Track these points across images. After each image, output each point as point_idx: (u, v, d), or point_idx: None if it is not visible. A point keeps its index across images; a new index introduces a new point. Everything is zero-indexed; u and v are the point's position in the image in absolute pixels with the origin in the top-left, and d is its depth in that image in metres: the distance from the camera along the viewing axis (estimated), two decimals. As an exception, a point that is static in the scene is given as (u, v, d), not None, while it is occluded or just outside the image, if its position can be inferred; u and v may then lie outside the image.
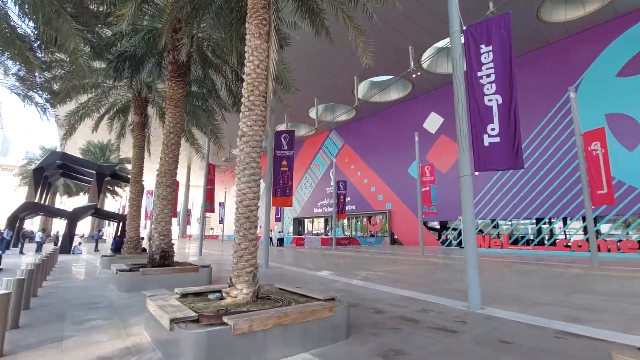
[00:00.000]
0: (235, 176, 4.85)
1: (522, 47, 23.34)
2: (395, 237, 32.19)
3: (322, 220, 43.48)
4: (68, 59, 8.63)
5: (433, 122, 30.51)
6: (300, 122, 41.18)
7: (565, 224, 22.25)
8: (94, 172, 21.78)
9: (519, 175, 23.61)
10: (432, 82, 29.28)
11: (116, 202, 56.15)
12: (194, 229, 70.95)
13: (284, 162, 12.91)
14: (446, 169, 28.20)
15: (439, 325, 4.78)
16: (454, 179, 27.68)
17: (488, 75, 6.49)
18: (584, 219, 20.90)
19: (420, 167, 19.75)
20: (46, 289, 7.68)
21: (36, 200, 21.39)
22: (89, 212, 20.61)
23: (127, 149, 43.43)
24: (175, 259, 9.08)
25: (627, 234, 19.17)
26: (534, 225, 23.20)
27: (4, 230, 18.67)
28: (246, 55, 5.07)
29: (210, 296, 4.75)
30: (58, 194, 42.60)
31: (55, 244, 19.29)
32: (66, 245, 17.96)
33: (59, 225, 45.61)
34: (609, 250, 16.95)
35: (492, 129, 6.34)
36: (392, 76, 30.05)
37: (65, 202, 46.17)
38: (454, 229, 28.23)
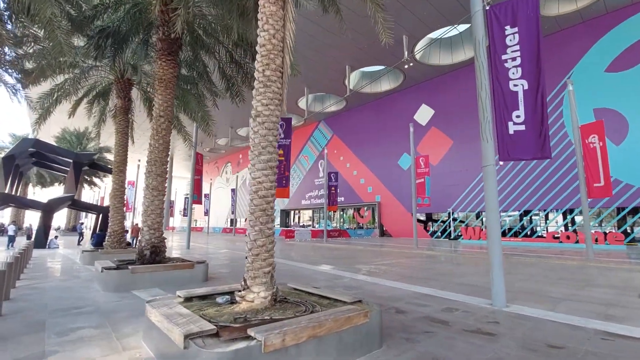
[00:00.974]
0: (250, 162, 4.23)
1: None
2: (385, 229, 32.13)
3: (309, 212, 43.05)
4: (43, 32, 7.61)
5: (424, 114, 30.34)
6: (289, 112, 40.26)
7: (548, 217, 22.67)
8: (71, 161, 20.34)
9: (509, 168, 23.79)
10: (424, 73, 29.01)
11: (94, 193, 53.77)
12: (176, 221, 69.13)
13: (281, 151, 12.24)
14: (436, 161, 28.16)
15: (472, 327, 4.38)
16: (445, 171, 27.76)
17: (513, 59, 6.07)
18: (571, 211, 21.34)
19: (414, 159, 19.47)
20: (20, 290, 6.85)
21: (6, 191, 19.82)
22: (66, 203, 19.29)
23: (106, 137, 41.34)
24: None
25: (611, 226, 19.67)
26: (521, 218, 23.53)
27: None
28: (259, 24, 4.40)
29: (219, 299, 4.16)
30: (30, 185, 40.23)
31: (29, 237, 17.96)
32: (41, 239, 16.71)
33: (31, 218, 43.23)
34: (596, 242, 17.28)
35: (518, 116, 5.94)
36: (384, 66, 29.60)
37: (39, 193, 43.68)
38: (443, 221, 28.37)
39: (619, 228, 19.57)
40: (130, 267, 6.92)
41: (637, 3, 19.70)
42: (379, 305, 4.02)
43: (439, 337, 4.01)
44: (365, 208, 35.20)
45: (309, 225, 42.31)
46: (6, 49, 9.96)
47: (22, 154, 19.87)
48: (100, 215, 22.52)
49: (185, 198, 52.35)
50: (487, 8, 6.42)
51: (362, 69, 31.27)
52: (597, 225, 20.39)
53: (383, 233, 31.97)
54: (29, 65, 10.83)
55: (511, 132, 5.97)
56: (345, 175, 36.06)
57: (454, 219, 27.18)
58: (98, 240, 12.88)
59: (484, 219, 25.54)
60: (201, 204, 22.67)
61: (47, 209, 17.50)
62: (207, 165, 64.77)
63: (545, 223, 22.91)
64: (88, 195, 55.10)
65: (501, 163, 23.34)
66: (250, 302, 3.77)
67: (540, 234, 22.46)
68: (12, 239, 16.72)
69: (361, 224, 35.71)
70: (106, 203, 44.98)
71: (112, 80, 13.19)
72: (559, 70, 21.95)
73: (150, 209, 7.99)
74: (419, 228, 29.30)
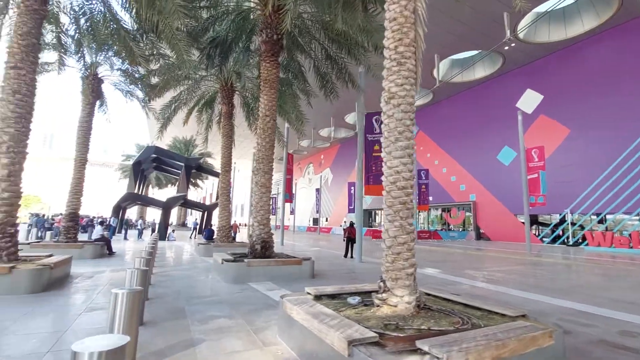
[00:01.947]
0: (383, 150, 3.82)
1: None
2: (482, 231, 29.00)
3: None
4: (168, 45, 8.50)
5: (529, 100, 26.47)
6: (370, 110, 39.52)
7: None
8: (183, 164, 23.14)
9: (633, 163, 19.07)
10: (528, 53, 25.32)
11: (197, 193, 61.04)
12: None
13: (376, 147, 11.73)
14: (548, 154, 24.22)
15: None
16: (557, 166, 23.69)
17: None
18: None
19: (525, 151, 16.93)
20: (156, 276, 7.68)
21: (135, 192, 23.51)
22: (180, 201, 21.98)
23: (206, 144, 46.53)
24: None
25: None
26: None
27: (110, 218, 20.76)
28: (388, -4, 3.96)
29: (351, 300, 3.83)
30: (150, 186, 47.50)
31: (153, 231, 20.97)
32: (162, 232, 19.29)
33: (151, 214, 51.03)
34: None
35: None
36: (478, 51, 26.75)
37: (156, 193, 51.42)
38: (556, 225, 24.23)
39: None
40: (246, 260, 7.20)
41: None
42: (556, 324, 3.18)
43: (648, 373, 2.99)
44: (457, 208, 32.35)
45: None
46: (137, 68, 11.54)
47: (146, 160, 23.35)
48: (205, 213, 25.13)
49: (274, 198, 55.74)
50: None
51: (451, 57, 28.84)
52: None
53: (479, 236, 28.90)
54: (154, 80, 12.44)
55: None
56: (434, 173, 33.69)
57: (573, 223, 22.97)
58: (209, 234, 14.19)
59: (610, 223, 21.06)
60: (292, 202, 23.52)
61: (167, 207, 20.16)
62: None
63: None
64: (192, 195, 62.84)
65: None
66: (393, 306, 3.33)
67: None
68: (140, 232, 19.68)
69: (451, 226, 32.97)
70: (207, 202, 50.60)
71: (217, 89, 14.42)
72: None
73: (260, 205, 8.28)
74: (522, 232, 25.64)
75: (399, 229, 3.53)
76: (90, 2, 9.22)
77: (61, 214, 25.78)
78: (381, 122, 11.17)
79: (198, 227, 25.44)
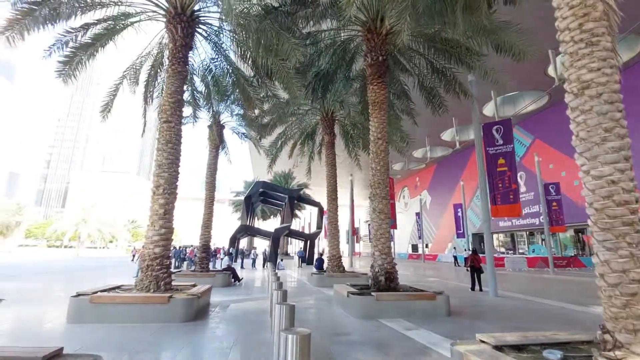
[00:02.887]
0: (578, 158, 2.96)
1: None
2: (643, 257, 22.61)
3: (503, 235, 36.08)
4: (281, 85, 9.08)
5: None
6: (469, 123, 36.33)
7: None
8: (286, 196, 24.51)
9: None
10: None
11: (295, 222, 64.21)
12: (359, 246, 73.14)
13: (501, 161, 10.24)
14: None
15: None
16: None
17: None
18: None
19: None
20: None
21: (247, 224, 25.69)
22: (286, 231, 23.07)
23: (300, 176, 49.21)
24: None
25: None
26: None
27: (229, 248, 22.93)
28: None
29: (549, 356, 2.89)
30: (256, 218, 51.93)
31: (265, 260, 22.31)
32: (273, 261, 20.32)
33: (257, 244, 55.38)
34: None
35: None
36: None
37: (261, 225, 55.92)
38: None
39: None
40: (375, 294, 6.65)
41: None
42: None
43: None
44: (601, 228, 26.15)
45: (509, 251, 35.25)
46: (252, 111, 12.74)
47: (255, 194, 25.51)
48: (308, 241, 25.75)
49: (368, 224, 54.80)
50: None
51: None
52: None
53: None
54: (264, 120, 13.58)
55: None
56: (561, 186, 28.38)
57: None
58: (320, 264, 14.23)
59: None
60: (396, 228, 22.41)
61: (276, 236, 21.34)
62: (383, 192, 66.50)
63: None
64: (292, 225, 66.28)
65: None
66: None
67: None
68: (254, 261, 21.10)
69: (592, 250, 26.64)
70: (306, 230, 52.57)
71: (317, 121, 14.96)
72: None
73: (379, 233, 7.78)
74: None
75: (629, 260, 2.55)
76: (215, 60, 10.65)
77: (192, 246, 29.86)
78: (504, 131, 9.74)
79: (303, 255, 26.21)
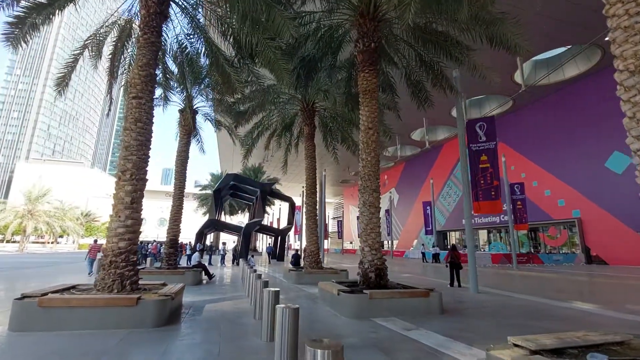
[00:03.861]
0: (633, 142, 2.67)
1: None
2: (593, 253, 24.45)
3: (476, 232, 37.63)
4: (267, 66, 8.37)
5: (642, 96, 22.35)
6: (439, 124, 37.38)
7: None
8: (258, 190, 23.60)
9: None
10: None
11: (265, 218, 62.87)
12: (328, 243, 73.34)
13: (484, 157, 10.28)
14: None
15: None
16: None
17: None
18: None
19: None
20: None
21: (216, 218, 24.45)
22: (257, 227, 22.21)
23: (271, 170, 48.09)
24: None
25: None
26: None
27: (196, 243, 21.63)
28: None
29: (594, 360, 2.61)
30: (223, 213, 50.08)
31: (235, 257, 21.27)
32: (243, 257, 19.42)
33: (224, 240, 53.50)
34: None
35: None
36: (567, 47, 23.82)
37: (227, 220, 54.06)
38: None
39: None
40: (368, 292, 6.23)
41: None
42: None
43: None
44: (557, 226, 28.02)
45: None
46: (227, 98, 11.84)
47: (225, 187, 24.32)
48: (279, 237, 25.05)
49: (339, 221, 54.91)
50: None
51: (534, 58, 26.05)
52: None
53: (591, 259, 24.35)
54: (242, 107, 12.70)
55: None
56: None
57: None
58: (296, 260, 13.65)
59: None
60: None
61: (247, 232, 20.42)
62: (351, 189, 67.07)
63: None
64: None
65: None
66: None
67: None
68: (223, 258, 20.07)
69: (548, 247, 28.52)
70: (276, 226, 51.55)
71: (297, 111, 14.32)
72: None
73: (369, 228, 7.38)
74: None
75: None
76: (190, 37, 9.67)
77: (154, 241, 27.92)
78: (487, 128, 9.70)
79: (272, 252, 25.45)
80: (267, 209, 53.63)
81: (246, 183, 24.63)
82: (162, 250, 21.95)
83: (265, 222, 65.01)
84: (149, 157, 6.57)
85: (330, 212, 75.04)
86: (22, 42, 7.27)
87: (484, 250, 34.00)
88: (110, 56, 8.89)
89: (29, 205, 40.64)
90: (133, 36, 8.82)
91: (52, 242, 61.27)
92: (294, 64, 10.06)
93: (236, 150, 17.57)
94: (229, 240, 42.51)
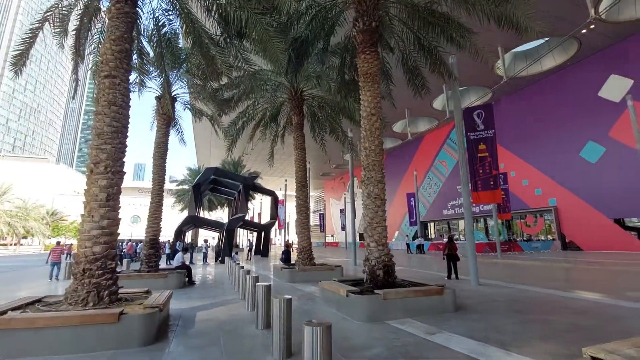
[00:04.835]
0: None
1: None
2: (568, 239, 25.37)
3: (456, 222, 38.35)
4: (258, 45, 7.56)
5: (615, 87, 23.22)
6: (420, 115, 37.51)
7: None
8: (240, 184, 22.60)
9: None
10: (610, 35, 22.33)
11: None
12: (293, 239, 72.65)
13: (482, 146, 9.99)
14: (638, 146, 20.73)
15: None
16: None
17: None
18: None
19: (643, 142, 14.18)
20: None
21: (196, 214, 23.24)
22: (240, 222, 21.28)
23: (250, 164, 46.79)
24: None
25: None
26: None
27: (175, 241, 20.42)
28: None
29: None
30: (202, 209, 48.33)
31: (217, 254, 20.27)
32: (227, 254, 18.52)
33: (203, 237, 51.79)
34: None
35: None
36: (546, 39, 24.25)
37: (206, 216, 52.26)
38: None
39: None
40: (379, 292, 5.70)
41: None
42: None
43: None
44: (534, 215, 28.88)
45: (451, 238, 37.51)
46: (211, 83, 10.86)
47: (205, 181, 23.12)
48: (263, 233, 24.22)
49: (320, 214, 54.55)
50: None
51: (513, 50, 26.38)
52: None
53: (566, 245, 25.26)
54: (226, 95, 11.75)
55: None
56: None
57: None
58: (287, 256, 12.98)
59: None
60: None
61: (230, 228, 19.46)
62: (333, 182, 66.79)
63: None
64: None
65: None
66: None
67: None
68: (205, 256, 19.06)
69: (525, 235, 29.40)
70: (257, 221, 50.40)
71: (284, 100, 13.51)
72: None
73: (375, 221, 6.84)
74: (626, 238, 21.81)
75: None
76: (168, 12, 8.65)
77: (129, 240, 26.29)
78: (485, 116, 9.38)
79: (254, 248, 24.56)
80: (248, 203, 52.45)
81: (227, 177, 23.52)
82: (138, 250, 20.60)
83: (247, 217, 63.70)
84: (126, 146, 5.66)
85: (311, 205, 74.44)
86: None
87: (465, 240, 34.64)
88: (74, 32, 7.73)
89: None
90: (103, 8, 7.71)
91: (15, 244, 57.09)
92: (286, 45, 9.27)
93: (214, 144, 16.51)
94: (209, 237, 41.06)
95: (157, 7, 8.43)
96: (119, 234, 5.50)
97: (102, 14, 7.95)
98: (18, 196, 47.00)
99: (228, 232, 19.24)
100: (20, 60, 7.20)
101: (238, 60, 8.57)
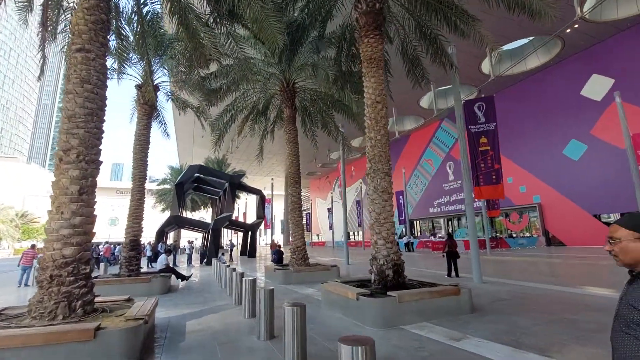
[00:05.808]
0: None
1: None
2: (552, 235, 25.81)
3: (441, 220, 38.58)
4: (252, 25, 6.89)
5: (597, 86, 23.73)
6: (407, 114, 37.51)
7: None
8: (225, 182, 21.69)
9: None
10: (592, 35, 22.80)
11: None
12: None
13: (484, 139, 9.65)
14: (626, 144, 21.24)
15: None
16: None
17: None
18: None
19: (631, 137, 14.35)
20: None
21: (179, 214, 22.16)
22: (227, 222, 20.40)
23: (235, 163, 45.60)
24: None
25: None
26: None
27: (157, 242, 19.33)
28: None
29: None
30: (185, 209, 46.67)
31: (203, 256, 19.30)
32: (213, 255, 17.64)
33: (186, 238, 50.09)
34: None
35: None
36: (530, 38, 24.57)
37: (189, 217, 50.53)
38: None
39: None
40: (393, 294, 5.16)
41: None
42: None
43: None
44: (518, 212, 29.28)
45: (432, 236, 37.71)
46: (197, 71, 10.08)
47: (188, 180, 22.06)
48: (249, 233, 23.39)
49: (307, 214, 53.87)
50: None
51: (500, 49, 26.62)
52: None
53: (550, 241, 25.69)
54: (214, 84, 10.98)
55: None
56: (487, 175, 30.89)
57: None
58: (279, 257, 12.31)
59: None
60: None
61: (216, 228, 18.57)
62: (318, 181, 66.23)
63: None
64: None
65: None
66: None
67: None
68: (190, 257, 18.09)
69: (510, 232, 29.80)
70: (242, 220, 49.16)
71: (275, 92, 12.83)
72: None
73: (383, 217, 6.31)
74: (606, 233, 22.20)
75: None
76: (150, -9, 7.83)
77: (107, 242, 24.81)
78: (486, 108, 9.02)
79: (235, 248, 23.52)
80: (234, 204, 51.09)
81: (212, 175, 22.53)
82: (117, 253, 19.36)
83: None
84: (102, 131, 4.89)
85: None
86: None
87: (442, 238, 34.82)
88: (42, 7, 6.80)
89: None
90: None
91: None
92: (283, 26, 8.63)
93: (197, 141, 15.63)
94: (192, 238, 39.66)
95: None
96: (94, 234, 4.72)
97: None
98: (-16, 197, 43.99)
99: (214, 233, 18.34)
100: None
101: (229, 43, 7.85)
